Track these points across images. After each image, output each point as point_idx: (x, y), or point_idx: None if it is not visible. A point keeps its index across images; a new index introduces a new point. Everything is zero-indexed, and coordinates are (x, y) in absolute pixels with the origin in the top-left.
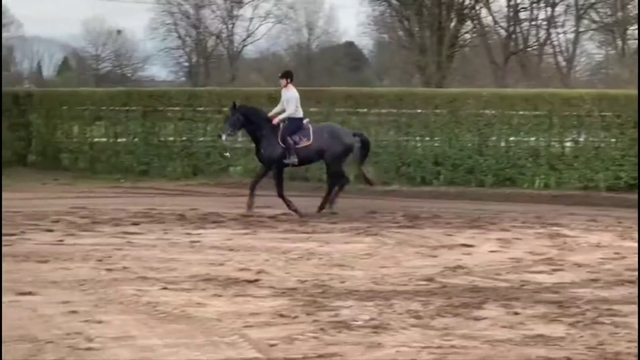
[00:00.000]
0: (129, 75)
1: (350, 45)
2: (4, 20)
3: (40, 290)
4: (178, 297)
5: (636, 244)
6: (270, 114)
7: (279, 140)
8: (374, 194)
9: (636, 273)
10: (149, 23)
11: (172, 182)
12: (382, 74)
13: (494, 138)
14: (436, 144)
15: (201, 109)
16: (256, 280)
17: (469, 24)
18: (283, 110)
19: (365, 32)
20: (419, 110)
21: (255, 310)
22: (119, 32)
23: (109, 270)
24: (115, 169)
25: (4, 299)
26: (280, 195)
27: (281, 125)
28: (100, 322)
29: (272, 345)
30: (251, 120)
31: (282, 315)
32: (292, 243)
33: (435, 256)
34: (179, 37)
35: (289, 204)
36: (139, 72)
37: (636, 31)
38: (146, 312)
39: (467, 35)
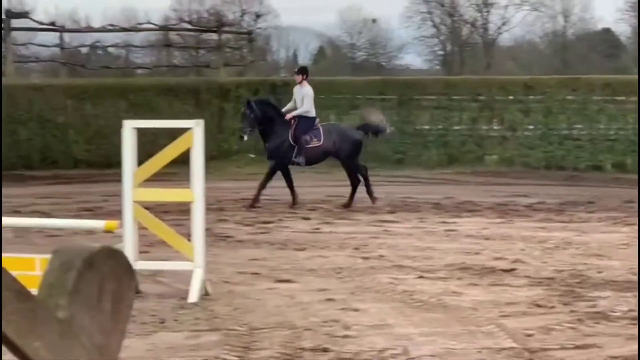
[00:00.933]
0: (383, 64)
1: (606, 32)
2: (261, 10)
3: (298, 277)
4: (434, 285)
5: None
6: (283, 110)
7: (290, 137)
8: (629, 182)
9: None
10: (404, 11)
11: (427, 171)
12: None
13: None
14: None
15: (456, 97)
16: (512, 270)
17: None
18: (296, 108)
19: (623, 18)
20: None
21: (511, 300)
22: (374, 20)
23: (365, 258)
24: (371, 157)
25: (263, 286)
26: (262, 185)
27: (292, 122)
28: (356, 310)
29: (528, 335)
30: (267, 116)
31: (538, 305)
32: (548, 232)
33: None
34: (434, 25)
35: (256, 196)
36: (394, 61)
37: None
38: (402, 301)
39: None
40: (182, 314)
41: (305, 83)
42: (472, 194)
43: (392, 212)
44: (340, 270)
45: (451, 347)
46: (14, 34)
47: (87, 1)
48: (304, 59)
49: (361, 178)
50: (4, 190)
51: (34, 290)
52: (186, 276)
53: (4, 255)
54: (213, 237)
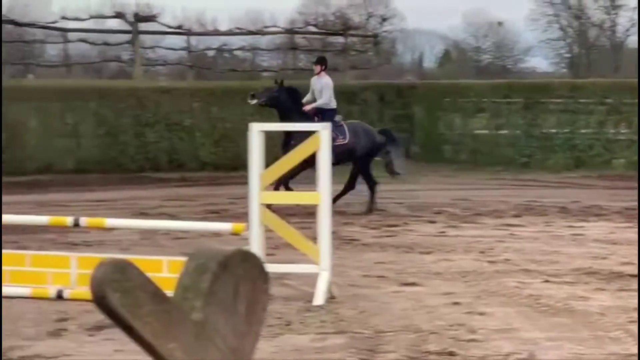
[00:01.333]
0: (509, 67)
1: None
2: (387, 13)
3: (424, 281)
4: (560, 290)
5: None
6: (304, 100)
7: None
8: None
9: None
10: (529, 14)
11: (553, 175)
12: None
13: None
14: None
15: (583, 100)
16: None
17: None
18: (314, 100)
19: None
20: None
21: None
22: (499, 23)
23: (491, 262)
24: (497, 161)
25: (388, 290)
26: (285, 184)
27: (316, 118)
28: (482, 314)
29: None
30: (287, 104)
31: None
32: None
33: None
34: (560, 28)
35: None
36: (520, 64)
37: None
38: (528, 305)
39: None
40: (308, 317)
41: (323, 74)
42: (599, 198)
43: (517, 216)
44: (466, 274)
45: (578, 352)
46: (142, 37)
47: (213, 4)
48: (429, 62)
49: (372, 189)
50: (132, 192)
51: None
52: (312, 279)
53: (132, 257)
54: (339, 240)
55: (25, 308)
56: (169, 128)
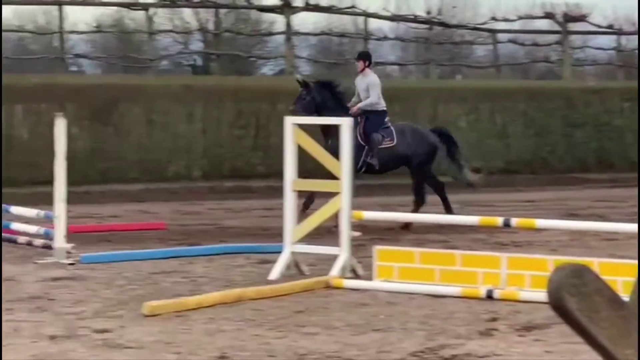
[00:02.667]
0: None
1: None
2: None
3: None
4: None
5: None
6: (351, 103)
7: (359, 135)
8: None
9: None
10: None
11: None
12: None
13: None
14: None
15: None
16: None
17: None
18: (360, 101)
19: None
20: None
21: None
22: None
23: None
24: None
25: None
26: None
27: (359, 118)
28: None
29: None
30: (327, 105)
31: None
32: None
33: None
34: None
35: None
36: None
37: None
38: None
39: None
40: None
41: (368, 71)
42: None
43: None
44: None
45: None
46: (572, 37)
47: None
48: None
49: (437, 195)
50: (560, 193)
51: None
52: None
53: (561, 257)
54: None
55: (456, 307)
56: (598, 129)
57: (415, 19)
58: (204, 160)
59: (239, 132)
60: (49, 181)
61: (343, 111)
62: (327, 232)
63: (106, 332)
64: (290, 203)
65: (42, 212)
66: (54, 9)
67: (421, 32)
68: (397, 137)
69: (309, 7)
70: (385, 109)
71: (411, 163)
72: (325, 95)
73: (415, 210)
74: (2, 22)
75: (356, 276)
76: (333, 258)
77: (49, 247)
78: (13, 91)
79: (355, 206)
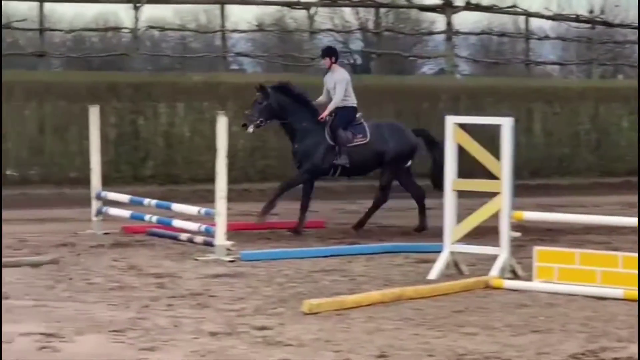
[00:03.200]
0: None
1: None
2: None
3: None
4: None
5: None
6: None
7: (327, 135)
8: None
9: None
10: None
11: None
12: None
13: None
14: None
15: None
16: None
17: None
18: (331, 99)
19: None
20: None
21: None
22: None
23: None
24: None
25: None
26: (304, 207)
27: (328, 117)
28: None
29: None
30: (286, 108)
31: None
32: None
33: None
34: None
35: (301, 220)
36: None
37: None
38: None
39: None
40: None
41: (337, 67)
42: None
43: None
44: None
45: None
46: None
47: None
48: None
49: (377, 201)
50: None
51: None
52: None
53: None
54: None
55: (618, 309)
56: None
57: (577, 19)
58: None
59: None
60: (210, 179)
61: (307, 112)
62: (487, 233)
63: (266, 329)
64: (450, 203)
65: (203, 210)
66: (215, 7)
67: (583, 31)
68: (371, 134)
69: (469, 7)
70: (354, 104)
71: (385, 159)
72: (283, 99)
73: (371, 209)
74: (126, 21)
75: (516, 277)
76: (493, 258)
77: (209, 244)
78: (175, 89)
79: (514, 207)
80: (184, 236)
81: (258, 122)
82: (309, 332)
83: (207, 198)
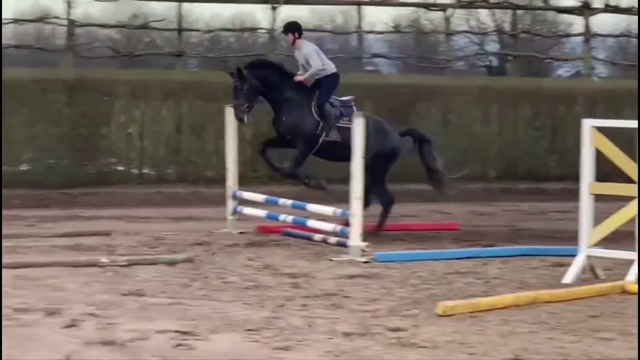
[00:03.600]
0: None
1: None
2: None
3: None
4: None
5: None
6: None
7: (313, 110)
8: None
9: None
10: None
11: None
12: None
13: None
14: None
15: None
16: None
17: None
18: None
19: None
20: None
21: None
22: None
23: None
24: None
25: None
26: (293, 174)
27: (317, 92)
28: None
29: None
30: (269, 82)
31: None
32: None
33: None
34: None
35: (308, 182)
36: None
37: None
38: None
39: None
40: None
41: (301, 42)
42: None
43: None
44: None
45: None
46: None
47: None
48: None
49: (384, 207)
50: None
51: None
52: None
53: None
54: None
55: None
56: None
57: None
58: (499, 161)
59: (534, 134)
60: (345, 179)
61: (289, 80)
62: (624, 237)
63: (400, 330)
64: (586, 206)
65: (338, 210)
66: (352, 9)
67: None
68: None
69: (608, 9)
70: (334, 70)
71: (367, 158)
72: (261, 75)
73: (383, 216)
74: (262, 22)
75: None
76: (630, 263)
77: (343, 245)
78: None
79: None
80: (317, 237)
81: (246, 108)
82: (443, 334)
83: (343, 199)
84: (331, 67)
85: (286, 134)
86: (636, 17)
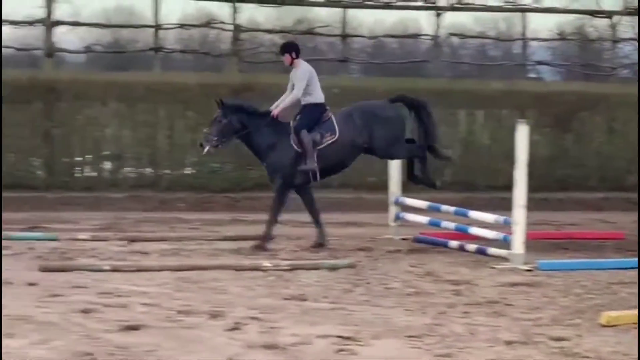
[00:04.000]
0: None
1: None
2: None
3: None
4: None
5: None
6: (273, 106)
7: (293, 142)
8: None
9: None
10: None
11: None
12: None
13: None
14: None
15: None
16: None
17: None
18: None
19: None
20: None
21: None
22: None
23: None
24: None
25: None
26: (273, 219)
27: (292, 122)
28: None
29: None
30: (247, 122)
31: None
32: None
33: None
34: None
35: (268, 234)
36: None
37: None
38: None
39: None
40: None
41: (298, 63)
42: None
43: None
44: None
45: None
46: None
47: None
48: None
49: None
50: None
51: None
52: None
53: None
54: None
55: None
56: None
57: None
58: None
59: None
60: (508, 187)
61: (264, 119)
62: None
63: (563, 340)
64: None
65: (501, 218)
66: (516, 15)
67: None
68: (339, 127)
69: None
70: (320, 101)
71: (373, 150)
72: (242, 117)
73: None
74: (426, 28)
75: None
76: None
77: (483, 253)
78: (474, 97)
79: None
80: (453, 244)
81: (215, 141)
82: (607, 344)
83: (505, 206)
84: (317, 97)
85: (274, 175)
86: None
